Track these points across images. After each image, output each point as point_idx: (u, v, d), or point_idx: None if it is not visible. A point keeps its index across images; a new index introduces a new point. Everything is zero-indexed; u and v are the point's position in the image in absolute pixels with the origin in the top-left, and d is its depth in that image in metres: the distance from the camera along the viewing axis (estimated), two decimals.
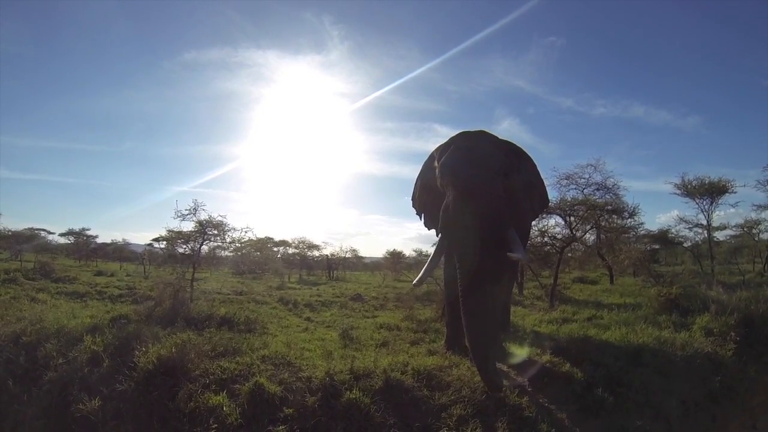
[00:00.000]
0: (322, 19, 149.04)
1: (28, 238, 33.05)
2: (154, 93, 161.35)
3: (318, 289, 20.46)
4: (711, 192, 20.11)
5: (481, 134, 8.58)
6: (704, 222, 20.88)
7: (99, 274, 25.33)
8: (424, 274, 8.06)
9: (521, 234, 8.21)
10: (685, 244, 23.78)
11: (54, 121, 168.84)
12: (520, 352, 8.62)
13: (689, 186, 20.47)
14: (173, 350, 7.17)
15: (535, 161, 9.43)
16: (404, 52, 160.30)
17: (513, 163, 8.38)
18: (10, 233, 31.48)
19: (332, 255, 34.82)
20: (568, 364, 7.74)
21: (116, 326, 8.98)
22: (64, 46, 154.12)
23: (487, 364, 6.69)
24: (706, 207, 20.54)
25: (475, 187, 7.35)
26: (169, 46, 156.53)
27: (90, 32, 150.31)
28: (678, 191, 20.90)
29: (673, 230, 22.85)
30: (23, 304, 12.39)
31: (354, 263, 41.68)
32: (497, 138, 8.78)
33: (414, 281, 8.25)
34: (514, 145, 9.16)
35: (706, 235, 21.51)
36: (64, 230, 39.98)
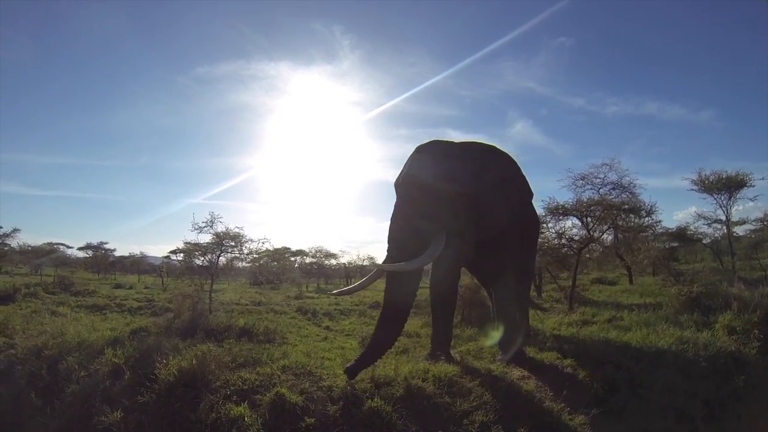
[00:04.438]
0: (332, 29, 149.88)
1: (48, 253, 33.44)
2: (169, 108, 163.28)
3: (336, 298, 20.50)
4: (729, 186, 19.85)
5: (431, 145, 8.54)
6: (723, 217, 20.62)
7: (118, 287, 25.62)
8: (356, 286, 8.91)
9: (496, 233, 8.22)
10: (704, 241, 23.41)
11: (70, 138, 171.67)
12: (495, 335, 8.75)
13: (706, 181, 20.21)
14: (194, 362, 7.17)
15: (513, 156, 9.12)
16: (415, 59, 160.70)
17: (465, 166, 8.22)
18: (29, 248, 31.90)
19: (349, 263, 34.84)
20: (589, 367, 7.67)
21: (136, 339, 9.04)
22: (78, 64, 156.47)
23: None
24: (724, 202, 20.29)
25: (395, 207, 8.12)
26: (183, 61, 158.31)
27: (103, 50, 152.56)
28: (695, 187, 20.64)
29: (691, 227, 22.56)
30: (44, 318, 12.51)
31: (370, 270, 41.46)
32: (447, 144, 8.65)
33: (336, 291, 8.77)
34: (479, 144, 8.94)
35: (725, 230, 21.21)
36: (82, 244, 40.61)
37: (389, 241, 7.99)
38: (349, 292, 9.17)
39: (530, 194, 9.31)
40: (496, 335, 8.83)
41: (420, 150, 8.44)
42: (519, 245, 8.98)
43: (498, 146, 9.01)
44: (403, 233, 7.78)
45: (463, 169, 8.09)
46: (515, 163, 9.02)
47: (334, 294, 11.04)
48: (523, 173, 9.13)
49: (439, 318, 8.86)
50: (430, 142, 8.59)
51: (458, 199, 7.85)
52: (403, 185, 8.17)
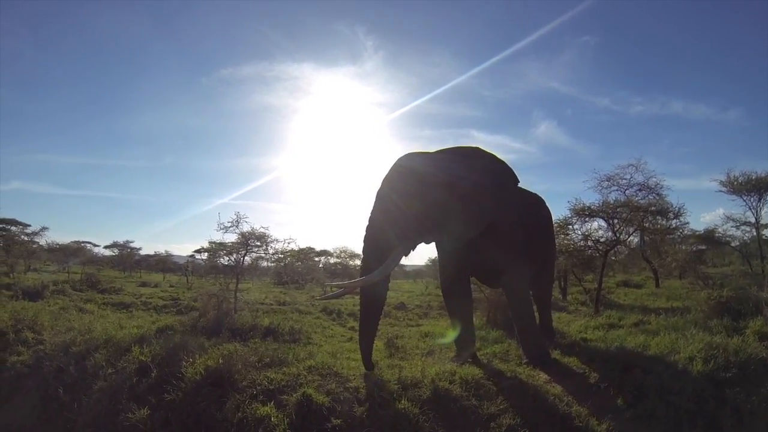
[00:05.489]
0: (355, 30, 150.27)
1: (75, 251, 33.89)
2: (194, 109, 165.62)
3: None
4: (758, 188, 19.37)
5: (408, 157, 8.52)
6: (752, 220, 20.14)
7: (143, 285, 25.90)
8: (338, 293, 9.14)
9: (474, 236, 8.20)
10: (732, 244, 23.00)
11: (97, 140, 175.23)
12: (451, 335, 9.09)
13: (735, 182, 19.77)
14: (220, 361, 7.22)
15: (496, 155, 8.82)
16: (439, 60, 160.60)
17: (434, 170, 8.20)
18: (57, 246, 32.38)
19: None
20: (616, 372, 7.57)
21: (162, 337, 9.14)
22: (105, 68, 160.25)
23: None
24: (753, 204, 19.78)
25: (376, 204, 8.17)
26: (207, 64, 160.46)
27: (129, 53, 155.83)
28: (724, 188, 20.22)
29: (719, 229, 22.16)
30: (72, 315, 12.68)
31: (396, 271, 41.49)
32: (427, 153, 8.68)
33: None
34: (463, 149, 8.79)
35: (754, 233, 20.77)
36: (108, 243, 41.14)
37: (364, 250, 8.20)
38: (334, 297, 10.13)
39: (513, 197, 8.99)
40: (451, 335, 9.10)
41: (402, 157, 8.49)
42: (520, 247, 8.79)
43: (482, 147, 8.85)
44: (376, 238, 7.97)
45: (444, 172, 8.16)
46: (498, 165, 8.76)
47: (319, 300, 11.62)
48: (509, 175, 8.83)
49: (457, 320, 8.98)
50: (410, 152, 8.63)
51: (446, 191, 7.99)
52: (393, 170, 8.28)
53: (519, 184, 8.97)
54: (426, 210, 7.91)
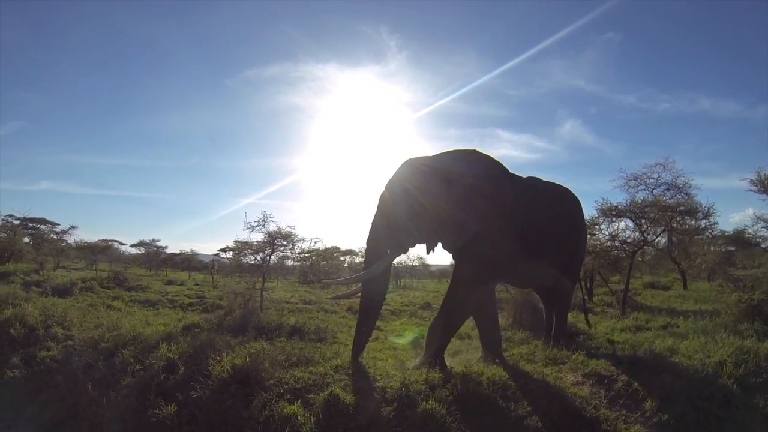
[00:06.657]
0: (378, 30, 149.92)
1: (103, 249, 34.42)
2: (218, 110, 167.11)
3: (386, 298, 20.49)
4: None
5: (415, 159, 8.57)
6: None
7: (169, 283, 26.07)
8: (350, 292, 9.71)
9: (462, 242, 8.27)
10: (763, 245, 22.54)
11: (125, 141, 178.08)
12: (408, 336, 9.57)
13: (766, 181, 19.37)
14: (248, 359, 7.26)
15: (499, 161, 8.81)
16: (463, 59, 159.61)
17: (430, 177, 8.22)
18: (85, 245, 32.88)
19: (399, 263, 34.63)
20: (645, 375, 7.43)
21: (189, 334, 9.26)
22: (131, 71, 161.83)
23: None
24: None
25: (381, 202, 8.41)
26: (231, 65, 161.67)
27: (155, 57, 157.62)
28: (754, 187, 19.77)
29: (749, 230, 21.71)
30: (100, 312, 12.83)
31: (421, 271, 41.77)
32: (426, 157, 8.64)
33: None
34: (462, 151, 8.77)
35: None
36: (135, 241, 41.63)
37: (367, 249, 8.51)
38: (345, 297, 11.05)
39: (497, 201, 8.54)
40: (409, 335, 9.77)
41: (407, 160, 8.57)
42: (489, 263, 8.51)
43: (479, 150, 8.84)
44: (379, 234, 8.22)
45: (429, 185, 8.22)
46: (493, 168, 8.70)
47: (330, 299, 11.93)
48: (504, 177, 8.71)
49: (480, 319, 8.93)
50: (412, 157, 8.70)
51: (451, 187, 8.09)
52: (401, 169, 8.40)
53: (544, 179, 9.27)
54: (444, 207, 7.99)
